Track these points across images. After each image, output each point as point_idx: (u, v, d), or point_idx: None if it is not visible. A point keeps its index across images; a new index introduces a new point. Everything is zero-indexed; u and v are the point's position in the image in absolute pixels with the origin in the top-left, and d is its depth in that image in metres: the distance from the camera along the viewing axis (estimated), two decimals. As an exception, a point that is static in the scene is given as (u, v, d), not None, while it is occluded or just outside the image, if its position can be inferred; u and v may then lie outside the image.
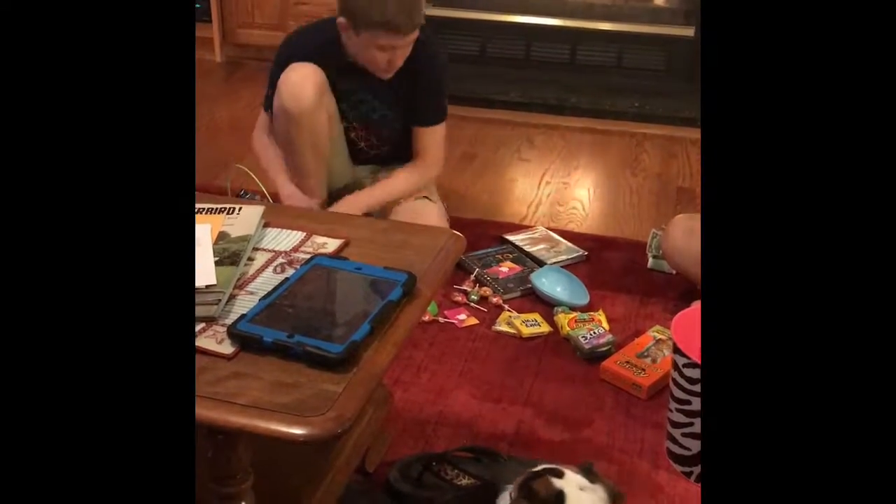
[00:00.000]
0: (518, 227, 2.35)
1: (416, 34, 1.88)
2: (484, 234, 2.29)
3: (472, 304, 1.98)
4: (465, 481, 1.41)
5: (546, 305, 1.98)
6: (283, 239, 1.29)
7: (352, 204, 2.02)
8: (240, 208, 1.31)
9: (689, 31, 3.26)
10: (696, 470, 1.47)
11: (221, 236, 1.23)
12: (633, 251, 2.23)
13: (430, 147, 2.08)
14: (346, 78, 2.01)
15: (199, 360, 1.00)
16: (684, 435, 1.47)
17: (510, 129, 3.09)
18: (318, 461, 1.26)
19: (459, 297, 2.00)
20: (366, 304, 1.09)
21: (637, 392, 1.68)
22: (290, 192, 2.05)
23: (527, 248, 2.21)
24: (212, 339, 1.04)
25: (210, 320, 1.08)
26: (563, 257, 2.18)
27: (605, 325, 1.88)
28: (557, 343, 1.85)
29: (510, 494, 1.15)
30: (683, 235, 1.91)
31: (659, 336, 1.82)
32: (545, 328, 1.89)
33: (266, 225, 1.31)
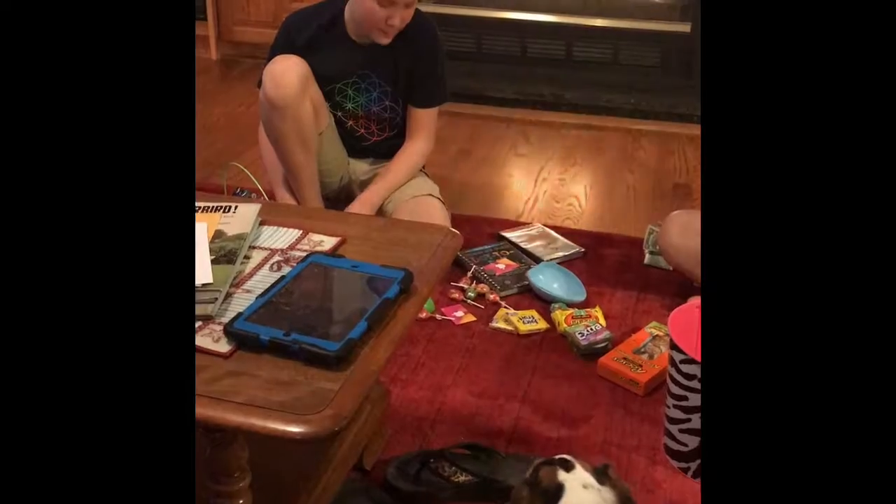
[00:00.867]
0: (515, 224, 2.35)
1: None
2: (481, 231, 2.29)
3: (469, 301, 1.98)
4: (462, 478, 1.41)
5: (543, 302, 1.98)
6: (280, 237, 1.28)
7: (364, 205, 2.04)
8: (236, 206, 1.30)
9: (685, 27, 3.25)
10: (694, 466, 1.47)
11: (218, 234, 1.23)
12: (629, 247, 2.23)
13: (424, 127, 2.11)
14: (348, 57, 2.02)
15: (196, 359, 1.00)
16: (681, 431, 1.48)
17: (506, 126, 3.09)
18: (315, 459, 1.26)
19: (456, 295, 2.00)
20: (362, 302, 1.09)
21: (634, 388, 1.69)
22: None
23: (523, 245, 2.21)
24: (208, 338, 1.04)
25: (207, 319, 1.08)
26: (560, 254, 2.18)
27: (602, 321, 1.88)
28: (554, 340, 1.85)
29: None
30: (680, 231, 1.91)
31: (656, 332, 1.82)
32: (542, 325, 1.89)
33: (262, 223, 1.31)
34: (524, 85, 3.29)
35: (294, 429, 0.90)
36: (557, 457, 1.15)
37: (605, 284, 2.07)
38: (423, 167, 2.24)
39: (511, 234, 2.26)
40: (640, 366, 1.71)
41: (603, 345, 1.79)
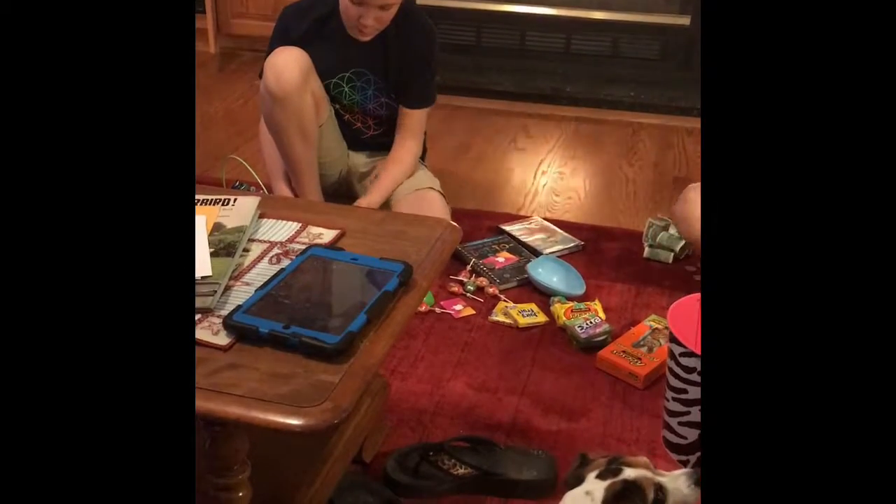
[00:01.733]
0: (514, 218, 2.35)
1: None
2: (480, 224, 2.29)
3: (469, 294, 1.98)
4: (462, 471, 1.41)
5: (542, 295, 1.98)
6: (279, 230, 1.28)
7: (369, 206, 2.04)
8: (235, 199, 1.30)
9: (685, 20, 3.25)
10: (693, 458, 1.48)
11: (217, 227, 1.23)
12: (629, 241, 2.23)
13: (413, 131, 2.11)
14: (343, 53, 2.02)
15: (196, 352, 1.00)
16: (681, 424, 1.48)
17: (506, 119, 3.09)
18: (315, 451, 1.26)
19: (456, 288, 1.99)
20: (362, 295, 1.09)
21: (633, 381, 1.69)
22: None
23: (523, 239, 2.21)
24: (207, 331, 1.04)
25: (206, 311, 1.07)
26: (560, 247, 2.18)
27: (602, 314, 1.88)
28: (554, 333, 1.85)
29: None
30: (698, 202, 1.89)
31: (655, 325, 1.82)
32: (541, 318, 1.89)
33: (261, 216, 1.31)
34: (524, 78, 3.29)
35: (294, 421, 0.90)
36: (611, 458, 1.12)
37: (605, 278, 2.07)
38: (424, 160, 2.24)
39: (510, 228, 2.26)
40: (640, 359, 1.71)
41: (602, 338, 1.79)
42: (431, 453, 1.43)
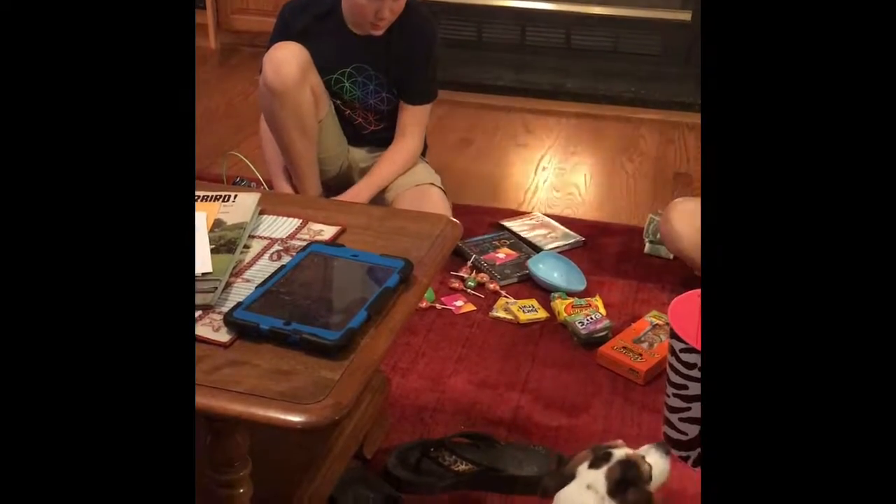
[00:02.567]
0: (515, 214, 2.34)
1: None
2: (481, 220, 2.29)
3: (470, 290, 1.98)
4: (462, 467, 1.41)
5: (543, 291, 1.98)
6: (280, 226, 1.28)
7: (354, 198, 2.04)
8: (235, 196, 1.30)
9: (686, 16, 3.24)
10: (694, 454, 1.48)
11: (217, 224, 1.23)
12: (629, 237, 2.23)
13: (414, 126, 2.10)
14: (344, 48, 2.02)
15: (196, 349, 1.00)
16: (681, 420, 1.48)
17: (506, 115, 3.08)
18: (315, 448, 1.26)
19: (456, 284, 1.99)
20: (363, 292, 1.09)
21: (634, 377, 1.69)
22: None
23: (524, 234, 2.21)
24: (208, 327, 1.04)
25: (206, 308, 1.07)
26: (560, 243, 2.17)
27: (602, 310, 1.88)
28: (554, 329, 1.85)
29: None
30: (682, 218, 1.91)
31: (656, 321, 1.82)
32: (542, 314, 1.89)
33: (262, 212, 1.31)
34: (524, 73, 3.28)
35: (294, 418, 0.90)
36: (610, 445, 1.14)
37: (605, 273, 2.07)
38: (425, 156, 2.24)
39: (511, 224, 2.26)
40: (640, 355, 1.71)
41: (603, 334, 1.79)
42: (432, 449, 1.43)
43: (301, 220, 1.29)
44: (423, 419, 1.57)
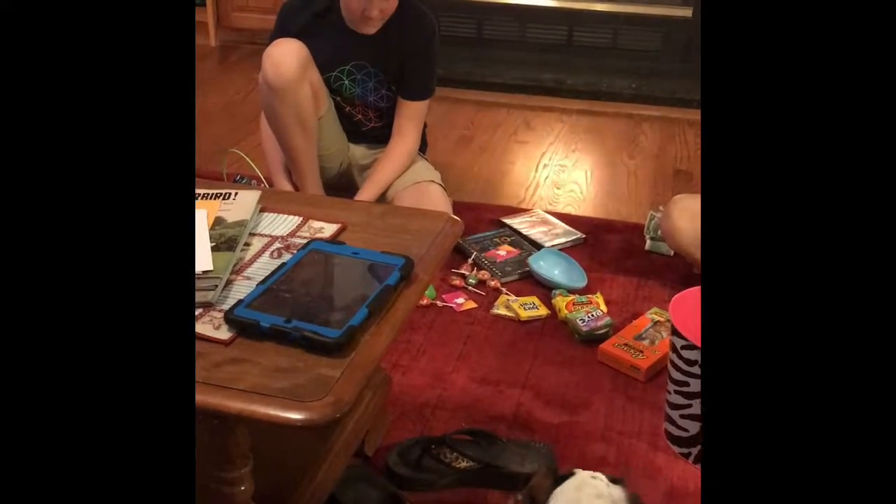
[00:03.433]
0: (516, 211, 2.34)
1: None
2: (482, 217, 2.28)
3: (471, 287, 1.98)
4: (464, 464, 1.41)
5: (544, 288, 1.98)
6: (280, 224, 1.28)
7: None
8: (236, 193, 1.30)
9: (687, 12, 3.24)
10: (695, 451, 1.48)
11: (218, 221, 1.22)
12: (631, 233, 2.23)
13: (412, 122, 2.10)
14: (343, 46, 2.02)
15: (197, 346, 1.00)
16: (682, 416, 1.48)
17: (507, 112, 3.08)
18: (316, 445, 1.26)
19: (457, 281, 1.99)
20: (363, 289, 1.09)
21: (635, 374, 1.69)
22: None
23: (525, 232, 2.21)
24: (209, 325, 1.04)
25: (207, 306, 1.07)
26: (561, 240, 2.17)
27: (603, 307, 1.88)
28: (555, 326, 1.85)
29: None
30: (682, 215, 1.91)
31: (657, 318, 1.82)
32: (543, 311, 1.89)
33: (262, 210, 1.31)
34: (525, 70, 3.28)
35: (295, 416, 0.90)
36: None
37: (607, 270, 2.07)
38: (425, 153, 2.24)
39: (512, 221, 2.26)
40: (642, 352, 1.71)
41: (604, 331, 1.79)
42: (433, 446, 1.43)
43: (301, 218, 1.29)
44: (424, 416, 1.57)
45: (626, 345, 1.74)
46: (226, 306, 1.06)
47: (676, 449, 1.51)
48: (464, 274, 2.01)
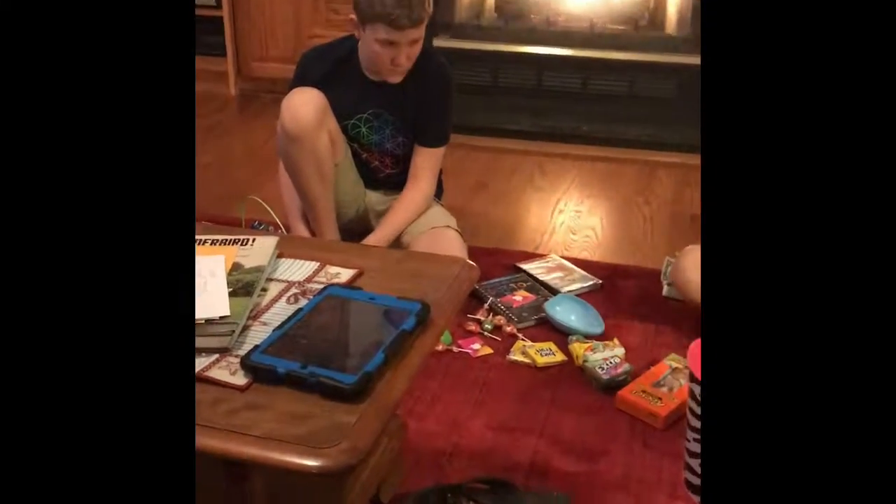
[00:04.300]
0: (531, 256, 2.34)
1: (418, 32, 1.93)
2: (497, 262, 2.29)
3: (486, 333, 1.97)
4: (480, 513, 1.39)
5: (560, 334, 1.97)
6: (297, 269, 1.29)
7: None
8: (254, 239, 1.31)
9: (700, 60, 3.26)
10: (715, 501, 1.45)
11: (235, 267, 1.23)
12: (647, 279, 2.22)
13: (427, 169, 2.12)
14: (361, 94, 2.05)
15: (213, 392, 1.00)
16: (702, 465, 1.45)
17: (522, 158, 3.10)
18: (332, 492, 1.25)
19: (473, 327, 1.99)
20: (379, 334, 1.09)
21: (653, 422, 1.67)
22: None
23: (541, 277, 2.20)
24: (225, 370, 1.04)
25: (224, 351, 1.08)
26: (578, 286, 2.17)
27: (621, 354, 1.86)
28: (572, 372, 1.84)
29: None
30: (694, 266, 1.91)
31: (675, 364, 1.81)
32: (560, 357, 1.87)
33: (280, 255, 1.31)
34: (540, 118, 3.30)
35: (311, 462, 0.90)
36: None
37: (623, 316, 2.06)
38: (440, 199, 2.25)
39: (528, 266, 2.26)
40: (660, 399, 1.69)
41: (623, 378, 1.77)
42: (449, 495, 1.41)
43: (318, 264, 1.30)
44: (439, 464, 1.56)
45: (644, 392, 1.72)
46: (242, 352, 1.06)
47: (696, 498, 1.48)
48: (480, 319, 2.01)
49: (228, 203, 2.55)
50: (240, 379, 1.02)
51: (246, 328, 1.13)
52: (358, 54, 2.05)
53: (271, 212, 2.24)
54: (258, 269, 1.23)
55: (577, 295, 2.11)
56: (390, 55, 1.94)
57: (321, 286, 1.22)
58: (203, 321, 1.08)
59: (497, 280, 2.17)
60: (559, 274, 2.23)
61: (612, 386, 1.76)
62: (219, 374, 1.03)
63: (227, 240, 1.30)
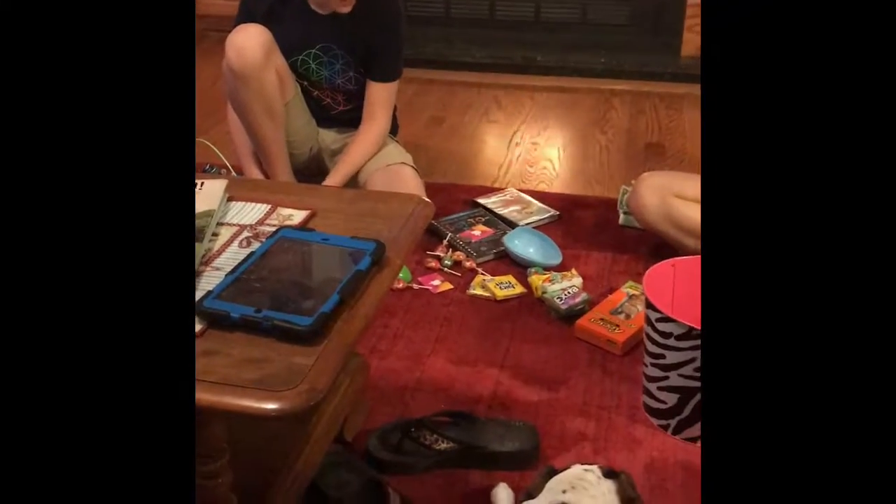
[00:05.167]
0: (489, 190, 2.34)
1: None
2: (455, 198, 2.28)
3: (446, 269, 1.97)
4: (444, 445, 1.41)
5: (520, 267, 1.98)
6: (248, 212, 1.27)
7: None
8: (202, 183, 1.28)
9: (654, -16, 3.23)
10: (674, 423, 1.49)
11: (184, 213, 1.21)
12: (604, 209, 2.23)
13: (381, 105, 2.08)
14: (309, 28, 2.00)
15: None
16: (660, 388, 1.49)
17: (477, 91, 3.07)
18: (295, 433, 1.25)
19: (433, 263, 1.99)
20: (334, 275, 1.08)
21: (612, 348, 1.69)
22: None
23: (498, 211, 2.20)
24: (179, 318, 1.03)
25: (176, 299, 1.06)
26: (535, 218, 2.17)
27: (579, 283, 1.88)
28: (532, 304, 1.85)
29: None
30: (649, 192, 1.93)
31: (632, 292, 1.83)
32: (519, 290, 1.89)
33: (230, 199, 1.29)
34: (494, 49, 3.26)
35: (269, 406, 0.90)
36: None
37: (581, 247, 2.07)
38: (396, 135, 2.23)
39: (486, 201, 2.26)
40: (618, 326, 1.72)
41: (581, 307, 1.79)
42: (413, 429, 1.43)
43: (270, 206, 1.28)
44: (403, 400, 1.57)
45: (602, 320, 1.74)
46: (195, 298, 1.05)
47: (655, 421, 1.52)
48: (439, 256, 2.01)
49: (178, 147, 2.49)
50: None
51: (198, 274, 1.11)
52: None
53: (220, 155, 2.20)
54: (208, 214, 1.21)
55: (536, 227, 2.12)
56: None
57: (273, 229, 1.20)
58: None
59: (455, 216, 2.17)
60: (517, 207, 2.23)
61: (571, 315, 1.78)
62: (172, 321, 1.02)
63: (174, 185, 1.27)
